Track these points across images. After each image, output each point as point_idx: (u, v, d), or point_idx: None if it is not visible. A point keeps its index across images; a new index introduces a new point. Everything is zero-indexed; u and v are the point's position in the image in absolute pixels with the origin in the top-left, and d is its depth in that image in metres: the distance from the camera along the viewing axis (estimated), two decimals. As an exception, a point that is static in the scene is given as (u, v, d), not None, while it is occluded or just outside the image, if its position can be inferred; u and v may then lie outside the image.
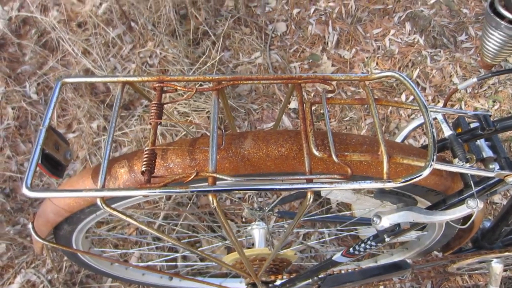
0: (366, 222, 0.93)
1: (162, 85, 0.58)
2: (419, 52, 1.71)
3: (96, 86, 1.66)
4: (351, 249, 0.73)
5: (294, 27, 1.81)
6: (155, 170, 0.56)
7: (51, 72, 1.66)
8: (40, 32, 1.76)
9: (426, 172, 0.48)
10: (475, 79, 0.66)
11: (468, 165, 0.59)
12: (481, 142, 0.69)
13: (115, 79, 0.59)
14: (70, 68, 1.68)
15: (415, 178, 0.48)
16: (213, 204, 0.49)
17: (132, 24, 1.76)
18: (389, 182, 0.48)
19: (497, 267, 0.94)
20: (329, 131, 0.52)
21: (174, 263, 1.18)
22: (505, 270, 1.24)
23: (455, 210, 0.59)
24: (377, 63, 1.71)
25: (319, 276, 0.81)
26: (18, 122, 1.56)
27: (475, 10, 1.79)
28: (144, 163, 0.51)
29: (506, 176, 0.56)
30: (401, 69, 1.70)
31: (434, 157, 0.49)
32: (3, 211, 1.34)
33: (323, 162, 0.57)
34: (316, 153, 0.50)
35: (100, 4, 1.80)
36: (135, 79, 0.59)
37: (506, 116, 0.83)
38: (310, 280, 0.81)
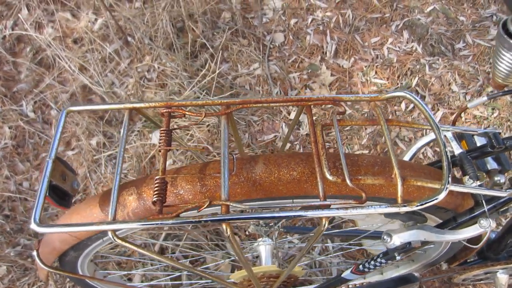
0: (374, 236, 0.92)
1: (170, 110, 0.57)
2: (418, 60, 1.73)
3: (94, 103, 1.65)
4: (360, 266, 0.72)
5: (292, 38, 1.81)
6: (166, 198, 0.56)
7: (47, 90, 1.64)
8: (35, 49, 1.75)
9: (441, 196, 0.48)
10: (485, 98, 0.66)
11: (478, 182, 0.59)
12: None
13: (121, 105, 0.58)
14: (67, 85, 1.67)
15: (430, 202, 0.48)
16: (227, 232, 0.48)
17: (129, 38, 1.76)
18: (404, 206, 0.48)
19: (502, 277, 0.93)
20: (342, 155, 0.52)
21: (179, 282, 1.16)
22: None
23: (468, 230, 0.58)
24: (376, 72, 1.72)
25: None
26: (16, 141, 1.54)
27: (472, 17, 1.81)
28: (156, 193, 0.50)
29: (519, 194, 0.56)
30: (400, 77, 1.70)
31: (450, 180, 0.49)
32: (2, 233, 1.32)
33: (335, 185, 0.56)
34: (330, 177, 0.50)
35: (96, 19, 1.79)
36: (142, 105, 0.58)
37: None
38: (321, 299, 0.80)
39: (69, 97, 1.65)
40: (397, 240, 0.62)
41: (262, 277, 0.88)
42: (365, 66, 1.73)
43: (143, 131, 1.56)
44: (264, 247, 0.95)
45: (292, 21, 1.84)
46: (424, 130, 1.52)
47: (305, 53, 1.77)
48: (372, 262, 0.71)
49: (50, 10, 1.84)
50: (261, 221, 0.99)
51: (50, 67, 1.72)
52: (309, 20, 1.84)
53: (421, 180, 0.51)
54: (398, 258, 0.67)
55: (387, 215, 0.66)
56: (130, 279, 1.22)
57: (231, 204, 0.48)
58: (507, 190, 0.55)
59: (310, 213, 0.48)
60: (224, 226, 0.47)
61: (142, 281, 1.18)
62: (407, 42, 1.76)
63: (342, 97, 0.60)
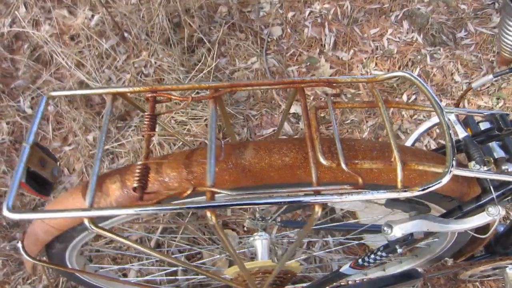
0: (374, 229, 0.88)
1: (155, 95, 0.55)
2: (418, 50, 1.68)
3: (92, 98, 1.63)
4: (360, 261, 0.69)
5: (290, 31, 1.78)
6: (149, 185, 0.53)
7: (45, 86, 1.63)
8: (33, 46, 1.73)
9: (445, 179, 0.44)
10: (491, 76, 0.62)
11: (485, 168, 0.55)
12: (492, 143, 0.65)
13: (104, 90, 0.56)
14: (64, 81, 1.65)
15: (433, 186, 0.44)
16: (212, 220, 0.45)
17: (126, 34, 1.73)
18: (405, 191, 0.45)
19: (512, 272, 0.89)
20: (337, 137, 0.49)
21: (174, 277, 1.13)
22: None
23: (474, 219, 0.55)
24: (376, 64, 1.68)
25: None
26: (13, 136, 1.52)
27: (473, 5, 1.77)
28: (136, 178, 0.47)
29: (527, 178, 0.52)
30: (401, 68, 1.66)
31: (454, 163, 0.45)
32: (-2, 228, 1.30)
33: (330, 171, 0.53)
34: (324, 162, 0.47)
35: (92, 16, 1.77)
36: (126, 89, 0.55)
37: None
38: (319, 294, 0.76)
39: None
40: (398, 231, 0.59)
41: (258, 273, 0.85)
42: (365, 58, 1.69)
43: (140, 126, 1.53)
44: (260, 242, 0.92)
45: (290, 14, 1.81)
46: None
47: (303, 46, 1.73)
48: (372, 256, 0.68)
49: (47, 7, 1.82)
50: (257, 215, 0.96)
51: (47, 63, 1.70)
52: (307, 12, 1.81)
53: (423, 164, 0.48)
54: (399, 251, 0.63)
55: (388, 204, 0.63)
56: (125, 275, 1.19)
57: (216, 190, 0.45)
58: (516, 175, 0.51)
59: (301, 199, 0.44)
60: (208, 213, 0.44)
61: (137, 277, 1.15)
62: (407, 33, 1.72)
63: (337, 79, 0.57)
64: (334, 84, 0.56)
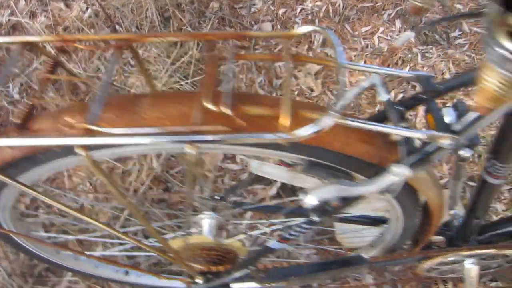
0: (301, 212, 0.82)
1: (62, 44, 0.56)
2: (410, 49, 1.64)
3: (78, 87, 1.67)
4: (285, 234, 0.65)
5: (280, 27, 1.78)
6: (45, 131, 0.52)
7: (34, 73, 1.68)
8: (29, 36, 1.80)
9: (324, 122, 0.42)
10: (410, 32, 0.60)
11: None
12: (449, 114, 0.60)
13: (15, 39, 0.58)
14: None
15: (311, 129, 0.42)
16: (84, 159, 0.44)
17: (117, 27, 1.78)
18: (282, 133, 0.42)
19: (471, 268, 0.82)
20: (230, 85, 0.48)
21: (133, 253, 1.11)
22: (495, 280, 1.12)
23: (380, 179, 0.51)
24: (365, 61, 1.65)
25: (260, 268, 0.73)
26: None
27: (470, 5, 1.71)
28: (20, 116, 0.46)
29: (438, 138, 0.48)
30: (390, 66, 1.62)
31: (337, 108, 0.43)
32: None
33: (223, 120, 0.51)
34: (208, 105, 0.45)
35: (86, 8, 1.83)
36: (36, 39, 0.57)
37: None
38: (248, 270, 0.73)
39: (54, 81, 1.67)
40: (313, 198, 0.56)
41: (199, 249, 0.82)
42: (354, 55, 1.66)
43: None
44: (207, 221, 0.90)
45: (281, 11, 1.81)
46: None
47: (292, 42, 1.72)
48: (297, 229, 0.64)
49: (44, 0, 1.90)
50: (206, 195, 0.94)
51: (39, 53, 1.76)
52: (298, 10, 1.80)
53: (312, 112, 0.46)
54: (316, 220, 0.59)
55: (307, 170, 0.60)
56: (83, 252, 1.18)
57: (90, 127, 0.43)
58: (425, 132, 0.48)
59: (172, 139, 0.43)
60: (79, 150, 0.43)
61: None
62: (399, 31, 1.68)
63: (250, 33, 0.57)
64: (243, 38, 0.55)
